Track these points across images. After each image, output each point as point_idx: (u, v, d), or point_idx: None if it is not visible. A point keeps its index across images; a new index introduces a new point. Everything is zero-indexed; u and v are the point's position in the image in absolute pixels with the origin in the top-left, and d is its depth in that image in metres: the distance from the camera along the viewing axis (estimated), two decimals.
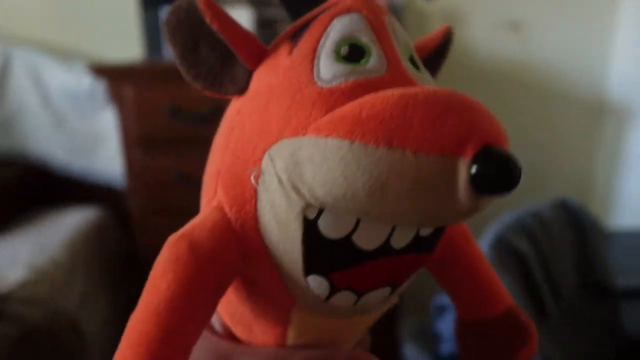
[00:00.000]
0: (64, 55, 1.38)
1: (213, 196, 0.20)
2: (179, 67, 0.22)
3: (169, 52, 1.27)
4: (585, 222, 0.79)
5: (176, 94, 1.10)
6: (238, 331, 0.22)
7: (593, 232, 0.79)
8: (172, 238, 0.19)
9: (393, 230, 0.16)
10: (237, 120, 0.20)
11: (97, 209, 1.31)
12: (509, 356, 0.22)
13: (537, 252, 0.69)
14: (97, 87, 1.26)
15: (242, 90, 0.20)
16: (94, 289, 1.17)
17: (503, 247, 0.66)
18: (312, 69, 0.18)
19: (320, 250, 0.16)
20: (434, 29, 0.24)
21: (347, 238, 0.15)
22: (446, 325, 0.64)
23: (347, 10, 0.19)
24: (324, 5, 0.20)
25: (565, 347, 0.64)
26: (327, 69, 0.18)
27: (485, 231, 0.69)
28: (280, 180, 0.16)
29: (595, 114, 1.55)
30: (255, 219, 0.17)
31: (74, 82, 1.29)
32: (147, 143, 1.14)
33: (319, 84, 0.17)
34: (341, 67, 0.18)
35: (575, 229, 0.79)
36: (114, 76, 1.10)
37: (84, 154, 1.36)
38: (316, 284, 0.17)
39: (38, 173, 1.34)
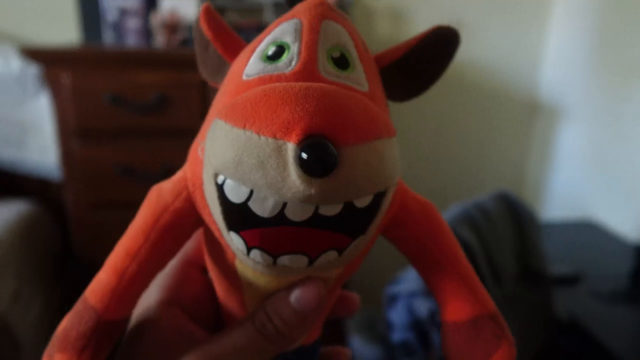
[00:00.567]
0: None
1: (187, 161, 0.23)
2: (197, 64, 0.26)
3: (109, 37, 1.22)
4: (523, 214, 0.84)
5: (118, 82, 1.05)
6: (212, 277, 0.25)
7: (530, 223, 0.84)
8: (153, 188, 0.23)
9: (285, 204, 0.18)
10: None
11: (29, 203, 1.23)
12: (485, 358, 0.22)
13: (480, 241, 0.73)
14: (28, 72, 1.18)
15: None
16: (26, 288, 1.10)
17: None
18: (245, 65, 0.21)
19: (230, 211, 0.19)
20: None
21: (245, 204, 0.18)
22: (397, 315, 0.65)
23: (291, 16, 0.21)
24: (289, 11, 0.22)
25: None
26: (252, 66, 0.21)
27: None
28: (206, 151, 0.19)
29: (527, 113, 1.64)
30: (201, 180, 0.21)
31: (1, 66, 1.20)
32: (85, 133, 1.08)
33: (243, 77, 0.21)
34: (260, 65, 0.21)
35: (515, 220, 0.84)
36: (49, 61, 1.03)
37: (13, 143, 1.27)
38: (236, 239, 0.19)
39: None
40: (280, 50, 0.21)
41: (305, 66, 0.20)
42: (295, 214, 0.18)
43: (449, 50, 0.23)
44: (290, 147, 0.16)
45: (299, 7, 0.22)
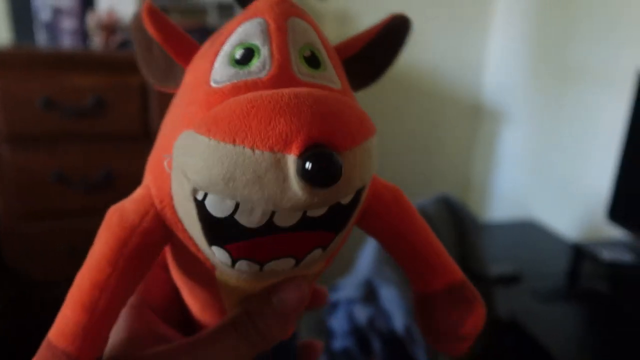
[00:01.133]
0: None
1: (146, 176, 0.22)
2: (139, 65, 0.24)
3: (43, 38, 1.15)
4: (464, 217, 0.85)
5: (52, 85, 1.00)
6: (184, 293, 0.25)
7: (471, 225, 0.85)
8: (111, 209, 0.21)
9: (273, 212, 0.17)
10: (168, 112, 0.22)
11: None
12: (456, 328, 0.24)
13: None
14: None
15: (179, 85, 0.22)
16: None
17: None
18: (210, 70, 0.20)
19: (212, 226, 0.18)
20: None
21: (231, 217, 0.17)
22: (337, 322, 0.65)
23: (253, 15, 0.20)
24: (246, 7, 0.21)
25: None
26: (220, 71, 0.20)
27: None
28: (177, 166, 0.18)
29: (472, 116, 1.68)
30: (170, 196, 0.20)
31: None
32: (16, 139, 1.02)
33: (212, 84, 0.19)
34: (230, 70, 0.19)
35: (456, 223, 0.85)
36: None
37: None
38: (219, 253, 0.19)
39: None
40: (249, 53, 0.20)
41: (281, 69, 0.19)
42: (284, 220, 0.18)
43: (403, 38, 0.24)
44: (291, 160, 0.16)
45: (259, 5, 0.21)
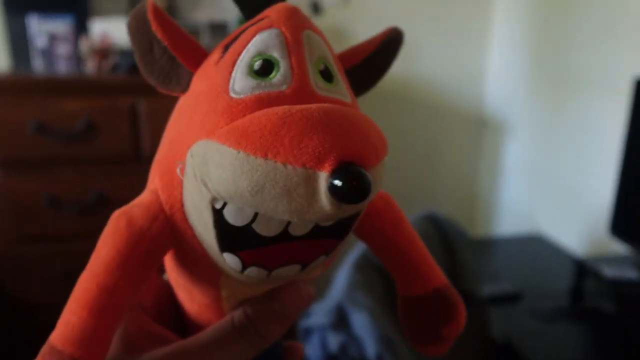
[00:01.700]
0: None
1: (152, 181, 0.22)
2: (138, 65, 0.23)
3: (38, 64, 1.18)
4: (452, 234, 0.82)
5: (43, 110, 1.01)
6: (180, 294, 0.25)
7: (460, 243, 0.82)
8: (116, 213, 0.21)
9: (290, 221, 0.18)
10: (176, 117, 0.23)
11: None
12: (438, 329, 0.25)
13: None
14: None
15: (184, 89, 0.23)
16: None
17: (367, 264, 0.66)
18: (229, 80, 0.20)
19: (227, 234, 0.19)
20: None
21: (249, 226, 0.18)
22: (312, 349, 0.62)
23: (269, 26, 0.21)
24: (258, 16, 0.22)
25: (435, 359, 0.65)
26: (240, 81, 0.20)
27: (356, 247, 0.70)
28: (195, 175, 0.19)
29: (475, 128, 1.65)
30: (181, 203, 0.20)
31: None
32: (9, 163, 1.04)
33: (232, 95, 0.20)
34: (251, 81, 0.20)
35: (443, 240, 0.82)
36: None
37: None
38: (230, 259, 0.19)
39: None
40: (268, 64, 0.20)
41: (301, 83, 0.20)
42: (299, 229, 0.18)
43: (397, 49, 0.25)
44: (323, 176, 0.16)
45: (272, 16, 0.21)
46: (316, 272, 0.23)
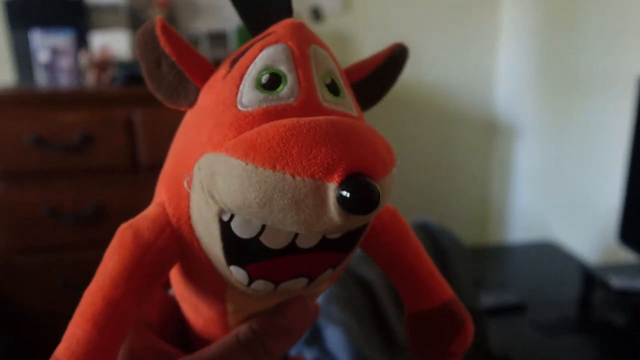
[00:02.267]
0: None
1: (159, 194, 0.22)
2: (145, 80, 0.23)
3: (42, 78, 1.20)
4: (445, 244, 0.79)
5: (40, 123, 1.03)
6: (186, 309, 0.25)
7: (453, 252, 0.79)
8: (123, 226, 0.21)
9: (297, 233, 0.18)
10: (183, 131, 0.23)
11: None
12: (445, 345, 0.25)
13: (385, 279, 0.68)
14: None
15: (192, 104, 0.23)
16: None
17: (347, 275, 0.64)
18: (236, 94, 0.20)
19: (235, 246, 0.19)
20: None
21: (256, 238, 0.18)
22: None
23: (276, 41, 0.21)
24: (265, 32, 0.22)
25: None
26: (247, 95, 0.20)
27: None
28: (202, 187, 0.19)
29: (486, 133, 1.60)
30: (188, 216, 0.20)
31: None
32: (8, 176, 1.05)
33: (239, 107, 0.20)
34: (258, 94, 0.20)
35: (437, 251, 0.79)
36: None
37: None
38: (237, 272, 0.19)
39: None
40: (275, 78, 0.20)
41: (308, 96, 0.20)
42: (306, 242, 0.18)
43: (403, 64, 0.25)
44: (332, 187, 0.16)
45: (280, 31, 0.21)
46: (323, 287, 0.23)
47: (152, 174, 0.26)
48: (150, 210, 0.22)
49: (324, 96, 0.20)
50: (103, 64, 1.16)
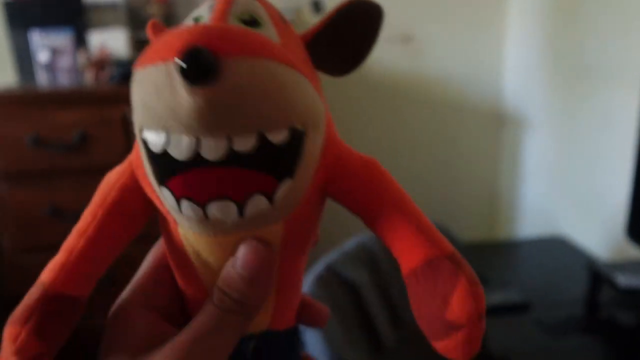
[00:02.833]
0: None
1: None
2: None
3: (42, 78, 1.21)
4: None
5: (38, 123, 1.03)
6: (175, 275, 0.25)
7: None
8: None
9: (199, 142, 0.18)
10: None
11: None
12: (441, 310, 0.20)
13: (374, 279, 0.66)
14: None
15: None
16: None
17: (331, 277, 0.62)
18: None
19: (155, 164, 0.20)
20: None
21: (165, 151, 0.19)
22: None
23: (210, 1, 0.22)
24: None
25: None
26: None
27: (320, 260, 0.66)
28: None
29: (494, 126, 1.56)
30: (139, 158, 0.22)
31: None
32: (11, 176, 1.06)
33: None
34: None
35: None
36: None
37: None
38: (165, 194, 0.20)
39: None
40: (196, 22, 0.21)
41: (213, 22, 0.20)
42: (210, 151, 0.18)
43: (370, 20, 0.24)
44: (174, 63, 0.17)
45: None
46: (272, 229, 0.22)
47: None
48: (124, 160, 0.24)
49: (233, 24, 0.20)
50: (101, 63, 1.15)
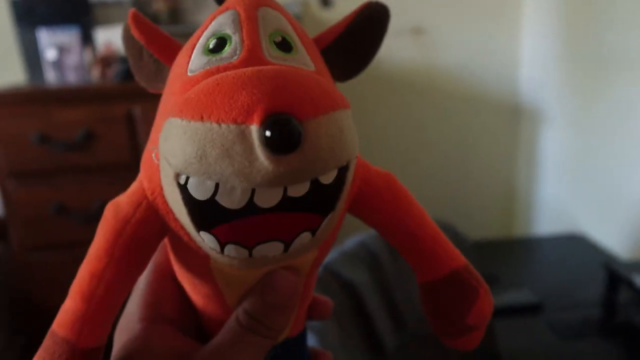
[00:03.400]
0: None
1: (140, 171, 0.23)
2: (132, 72, 0.25)
3: (51, 76, 1.21)
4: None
5: (42, 121, 1.03)
6: (187, 289, 0.25)
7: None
8: (108, 204, 0.22)
9: (253, 191, 0.18)
10: (157, 110, 0.23)
11: None
12: (461, 317, 0.24)
13: (376, 279, 0.63)
14: None
15: None
16: None
17: (329, 277, 0.60)
18: (188, 62, 0.21)
19: (197, 210, 0.19)
20: None
21: (212, 199, 0.18)
22: None
23: (225, 9, 0.21)
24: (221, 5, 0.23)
25: None
26: (195, 61, 0.21)
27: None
28: (161, 155, 0.19)
29: (510, 119, 1.51)
30: (160, 187, 0.20)
31: None
32: (17, 174, 1.07)
33: (188, 74, 0.21)
34: (204, 58, 0.21)
35: None
36: None
37: None
38: (207, 238, 0.19)
39: None
40: (222, 42, 0.21)
41: (251, 53, 0.20)
42: (264, 199, 0.18)
43: (381, 25, 0.24)
44: (254, 129, 0.16)
45: None
46: (307, 256, 0.22)
47: None
48: (131, 187, 0.22)
49: (270, 52, 0.20)
50: (106, 60, 1.15)
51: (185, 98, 0.18)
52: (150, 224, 0.21)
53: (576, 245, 1.17)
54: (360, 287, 0.61)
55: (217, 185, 0.18)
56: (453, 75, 1.45)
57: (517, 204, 1.57)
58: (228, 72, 0.18)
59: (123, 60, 1.16)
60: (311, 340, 0.53)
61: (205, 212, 0.19)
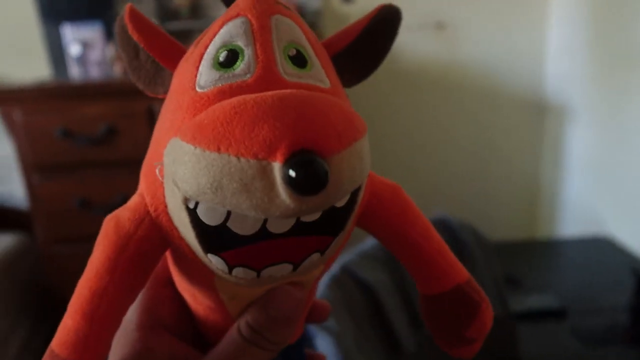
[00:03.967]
0: None
1: (140, 183, 0.22)
2: (127, 71, 0.24)
3: (75, 71, 1.23)
4: (466, 240, 0.72)
5: (66, 116, 1.05)
6: (188, 299, 0.25)
7: (476, 250, 0.72)
8: (107, 218, 0.22)
9: (267, 218, 0.17)
10: (159, 117, 0.22)
11: (16, 237, 1.25)
12: (462, 330, 0.24)
13: (394, 280, 0.62)
14: None
15: (167, 90, 0.22)
16: (4, 326, 1.11)
17: (346, 278, 0.59)
18: (196, 75, 0.20)
19: (206, 234, 0.18)
20: None
21: (224, 225, 0.17)
22: None
23: (236, 15, 0.20)
24: (229, 8, 0.21)
25: None
26: (205, 75, 0.20)
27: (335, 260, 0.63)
28: (168, 175, 0.18)
29: (535, 116, 1.47)
30: (164, 204, 0.20)
31: None
32: (42, 168, 1.09)
33: (197, 89, 0.19)
34: (214, 74, 0.19)
35: (457, 249, 0.72)
36: (1, 100, 1.05)
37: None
38: (215, 260, 0.19)
39: None
40: (233, 55, 0.20)
41: (266, 70, 0.19)
42: (277, 226, 0.18)
43: (394, 27, 0.23)
44: (277, 167, 0.16)
45: (240, 4, 0.21)
46: (315, 272, 0.22)
47: None
48: (132, 201, 0.22)
49: (285, 69, 0.19)
50: None
51: (198, 123, 0.17)
52: (153, 241, 0.21)
53: (603, 248, 1.14)
54: (378, 288, 0.60)
55: (228, 212, 0.17)
56: (476, 70, 1.42)
57: (541, 204, 1.53)
58: (246, 98, 0.17)
59: None
60: (327, 342, 0.53)
61: (215, 237, 0.18)
